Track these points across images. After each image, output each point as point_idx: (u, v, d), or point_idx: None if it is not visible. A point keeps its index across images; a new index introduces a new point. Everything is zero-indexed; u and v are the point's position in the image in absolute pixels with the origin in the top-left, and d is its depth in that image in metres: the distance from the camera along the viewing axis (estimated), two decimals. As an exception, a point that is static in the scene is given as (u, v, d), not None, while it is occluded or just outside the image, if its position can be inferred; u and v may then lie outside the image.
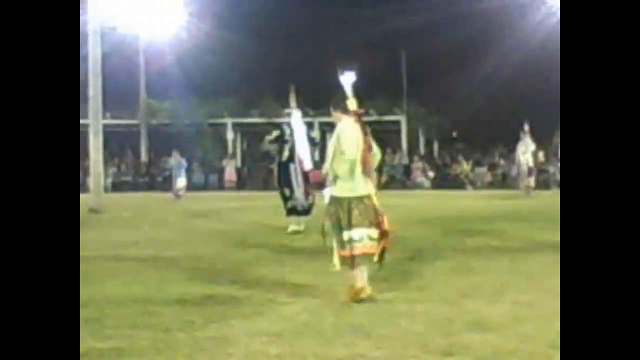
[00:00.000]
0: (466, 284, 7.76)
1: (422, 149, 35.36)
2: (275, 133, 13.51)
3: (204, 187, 31.21)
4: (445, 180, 30.68)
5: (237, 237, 12.51)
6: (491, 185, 29.94)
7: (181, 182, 24.35)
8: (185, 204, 22.07)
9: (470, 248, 10.56)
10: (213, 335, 5.85)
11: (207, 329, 6.04)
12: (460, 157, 31.90)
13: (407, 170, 32.20)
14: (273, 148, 13.62)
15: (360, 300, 6.84)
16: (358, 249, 6.93)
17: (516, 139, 24.67)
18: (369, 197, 7.04)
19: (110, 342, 5.67)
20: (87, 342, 5.64)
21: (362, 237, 6.93)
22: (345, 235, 6.95)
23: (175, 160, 24.85)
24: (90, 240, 12.14)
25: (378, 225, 6.99)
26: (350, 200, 6.98)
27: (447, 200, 22.41)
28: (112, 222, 16.13)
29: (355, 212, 6.93)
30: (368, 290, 6.94)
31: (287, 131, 13.36)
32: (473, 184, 30.16)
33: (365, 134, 7.13)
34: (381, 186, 29.04)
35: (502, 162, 31.58)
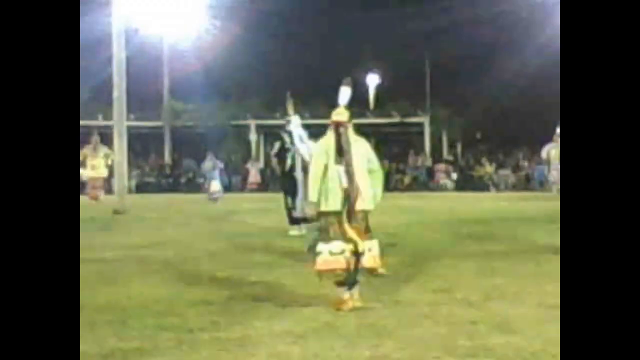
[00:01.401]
0: (490, 286, 7.73)
1: (445, 151, 35.26)
2: (278, 145, 13.42)
3: (227, 188, 31.24)
4: (468, 182, 30.59)
5: (260, 238, 12.53)
6: (515, 187, 29.80)
7: (216, 185, 24.24)
8: (210, 205, 22.13)
9: (494, 250, 10.52)
10: (236, 336, 5.86)
11: (231, 330, 6.05)
12: (483, 159, 31.78)
13: (430, 172, 32.14)
14: (275, 162, 13.49)
15: (345, 310, 6.66)
16: (325, 265, 6.79)
17: (539, 141, 24.44)
18: (339, 213, 6.77)
19: (134, 342, 5.69)
20: (111, 342, 5.68)
21: (337, 252, 6.73)
22: (320, 248, 6.84)
23: (211, 162, 24.78)
24: (113, 241, 12.22)
25: (352, 242, 6.74)
26: (325, 214, 6.84)
27: (471, 202, 22.34)
28: (136, 223, 16.20)
29: (332, 227, 6.78)
30: (352, 303, 6.72)
31: (288, 140, 13.24)
32: (496, 186, 30.03)
33: (339, 146, 6.80)
34: (404, 188, 29.07)
35: (525, 164, 31.41)
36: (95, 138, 20.67)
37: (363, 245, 6.73)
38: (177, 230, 14.40)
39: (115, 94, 19.90)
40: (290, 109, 13.37)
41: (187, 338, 5.82)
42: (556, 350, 5.29)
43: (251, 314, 6.61)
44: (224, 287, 7.89)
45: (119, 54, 19.80)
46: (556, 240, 10.73)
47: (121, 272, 9.04)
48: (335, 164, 6.80)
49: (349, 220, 6.74)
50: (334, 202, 6.78)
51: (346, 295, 6.75)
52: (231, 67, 33.53)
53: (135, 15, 26.62)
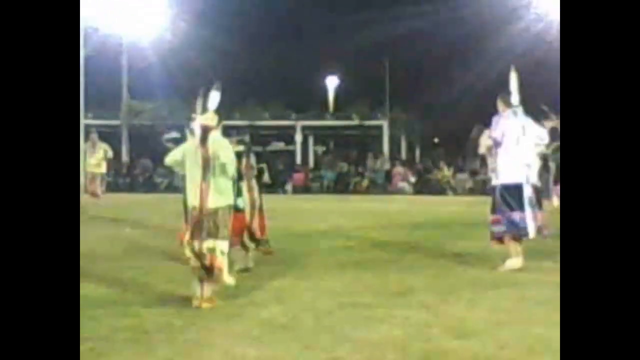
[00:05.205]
0: (445, 290, 7.78)
1: (403, 154, 35.42)
2: (174, 135, 13.09)
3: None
4: (426, 186, 30.68)
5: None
6: (472, 191, 29.98)
7: None
8: (166, 205, 21.95)
9: (450, 254, 10.58)
10: (192, 337, 5.85)
11: (187, 332, 6.03)
12: (441, 163, 31.94)
13: (389, 175, 32.21)
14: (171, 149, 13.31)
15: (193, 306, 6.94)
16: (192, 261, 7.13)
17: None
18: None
19: (88, 343, 5.64)
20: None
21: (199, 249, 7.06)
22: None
23: None
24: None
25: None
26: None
27: (428, 205, 22.43)
28: (91, 222, 16.02)
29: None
30: (198, 302, 6.99)
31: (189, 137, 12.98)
32: (454, 189, 30.20)
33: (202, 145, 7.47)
34: (362, 190, 29.12)
35: (483, 168, 31.65)
36: (93, 136, 20.75)
37: (192, 247, 7.05)
38: (133, 230, 14.29)
39: (73, 91, 19.70)
40: (199, 106, 12.98)
41: (142, 339, 5.79)
42: (510, 353, 5.37)
43: (207, 316, 6.60)
44: (180, 288, 7.84)
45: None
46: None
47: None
48: (194, 163, 7.32)
49: (198, 219, 7.04)
50: (191, 199, 7.16)
51: (197, 289, 7.04)
52: (191, 67, 33.35)
53: (94, 13, 26.38)
